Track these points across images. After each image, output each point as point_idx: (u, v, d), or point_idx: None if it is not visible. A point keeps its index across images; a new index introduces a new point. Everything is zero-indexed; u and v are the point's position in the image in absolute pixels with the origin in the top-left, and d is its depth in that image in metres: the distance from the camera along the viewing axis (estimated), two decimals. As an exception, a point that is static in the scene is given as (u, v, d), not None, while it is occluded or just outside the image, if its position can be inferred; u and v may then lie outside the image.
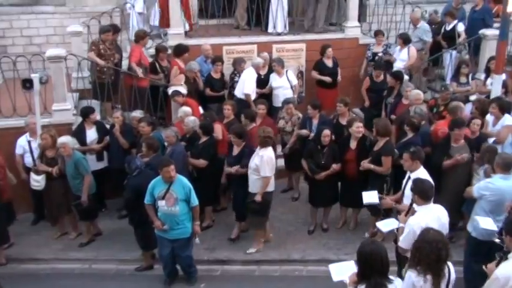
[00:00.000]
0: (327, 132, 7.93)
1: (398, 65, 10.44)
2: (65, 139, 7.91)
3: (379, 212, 7.40)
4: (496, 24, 10.87)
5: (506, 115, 8.15)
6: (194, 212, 7.01)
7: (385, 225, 6.28)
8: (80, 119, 8.86)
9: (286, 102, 9.08)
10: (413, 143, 7.20)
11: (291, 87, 10.06)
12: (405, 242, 5.63)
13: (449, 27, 11.05)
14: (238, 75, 9.98)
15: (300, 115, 8.89)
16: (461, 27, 10.93)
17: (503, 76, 8.98)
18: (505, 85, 9.17)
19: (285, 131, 8.96)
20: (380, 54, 10.75)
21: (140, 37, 9.91)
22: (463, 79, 9.91)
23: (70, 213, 8.36)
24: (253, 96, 9.70)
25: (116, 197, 9.04)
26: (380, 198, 6.89)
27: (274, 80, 10.03)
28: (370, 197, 7.05)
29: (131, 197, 7.29)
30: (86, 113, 8.68)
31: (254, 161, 7.57)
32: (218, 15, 11.39)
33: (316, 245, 8.16)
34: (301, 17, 11.96)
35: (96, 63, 9.41)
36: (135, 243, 7.70)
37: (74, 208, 8.18)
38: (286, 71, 10.10)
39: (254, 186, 7.67)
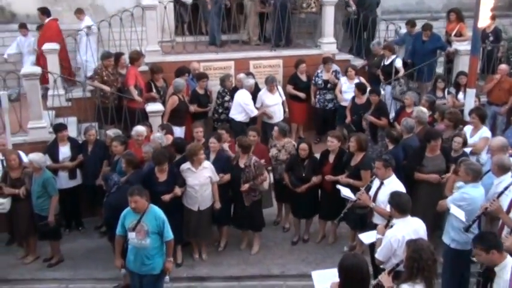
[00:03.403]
0: (303, 145, 8.01)
1: (349, 97, 10.20)
2: (31, 156, 7.75)
3: (359, 225, 7.48)
4: (457, 43, 11.15)
5: (484, 127, 8.33)
6: (167, 246, 6.47)
7: (367, 237, 6.36)
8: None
9: (278, 126, 8.71)
10: (393, 155, 7.23)
11: (282, 102, 10.22)
12: (382, 254, 5.71)
13: (387, 62, 10.87)
14: (227, 93, 10.01)
15: (294, 143, 8.60)
16: (399, 63, 10.83)
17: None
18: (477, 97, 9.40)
19: (279, 160, 8.42)
20: (331, 82, 10.64)
21: (134, 59, 9.88)
22: (439, 93, 10.07)
23: (36, 234, 8.15)
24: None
25: (92, 215, 8.95)
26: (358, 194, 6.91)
27: (267, 98, 10.06)
28: (346, 191, 7.15)
29: (110, 214, 7.17)
30: (56, 129, 8.58)
31: (203, 175, 7.58)
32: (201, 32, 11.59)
33: (296, 260, 8.16)
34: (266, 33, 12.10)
35: (101, 89, 9.52)
36: (113, 262, 7.57)
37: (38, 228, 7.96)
38: (277, 86, 10.21)
39: (207, 200, 7.75)
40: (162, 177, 7.52)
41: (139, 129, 8.44)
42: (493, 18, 11.22)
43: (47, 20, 10.98)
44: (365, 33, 11.74)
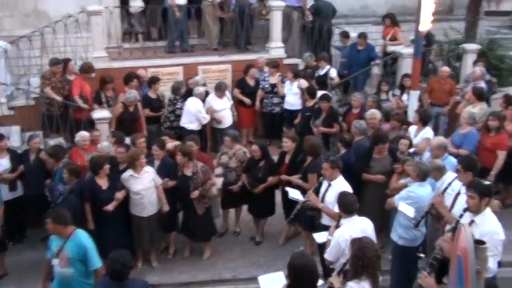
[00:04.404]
0: (254, 147, 8.14)
1: (290, 100, 10.43)
2: None
3: (309, 226, 7.56)
4: (392, 47, 11.52)
5: (427, 128, 8.54)
6: (96, 277, 5.71)
7: (320, 236, 6.43)
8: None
9: (227, 134, 8.55)
10: (344, 159, 7.34)
11: (230, 107, 10.23)
12: (331, 254, 5.78)
13: (322, 72, 10.94)
14: (179, 100, 9.89)
15: (245, 149, 8.57)
16: (333, 73, 10.96)
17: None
18: (419, 99, 9.65)
19: (229, 168, 8.35)
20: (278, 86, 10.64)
21: (85, 70, 9.76)
22: (383, 96, 10.30)
23: None
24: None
25: (38, 226, 8.67)
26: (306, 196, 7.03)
27: (216, 102, 10.01)
28: (294, 193, 7.24)
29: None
30: None
31: (147, 179, 7.52)
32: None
33: (247, 263, 8.16)
34: (226, 38, 12.13)
35: (53, 98, 9.29)
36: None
37: None
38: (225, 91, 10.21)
39: (154, 204, 7.68)
40: (104, 184, 7.40)
41: (84, 134, 8.30)
42: None
43: None
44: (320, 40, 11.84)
